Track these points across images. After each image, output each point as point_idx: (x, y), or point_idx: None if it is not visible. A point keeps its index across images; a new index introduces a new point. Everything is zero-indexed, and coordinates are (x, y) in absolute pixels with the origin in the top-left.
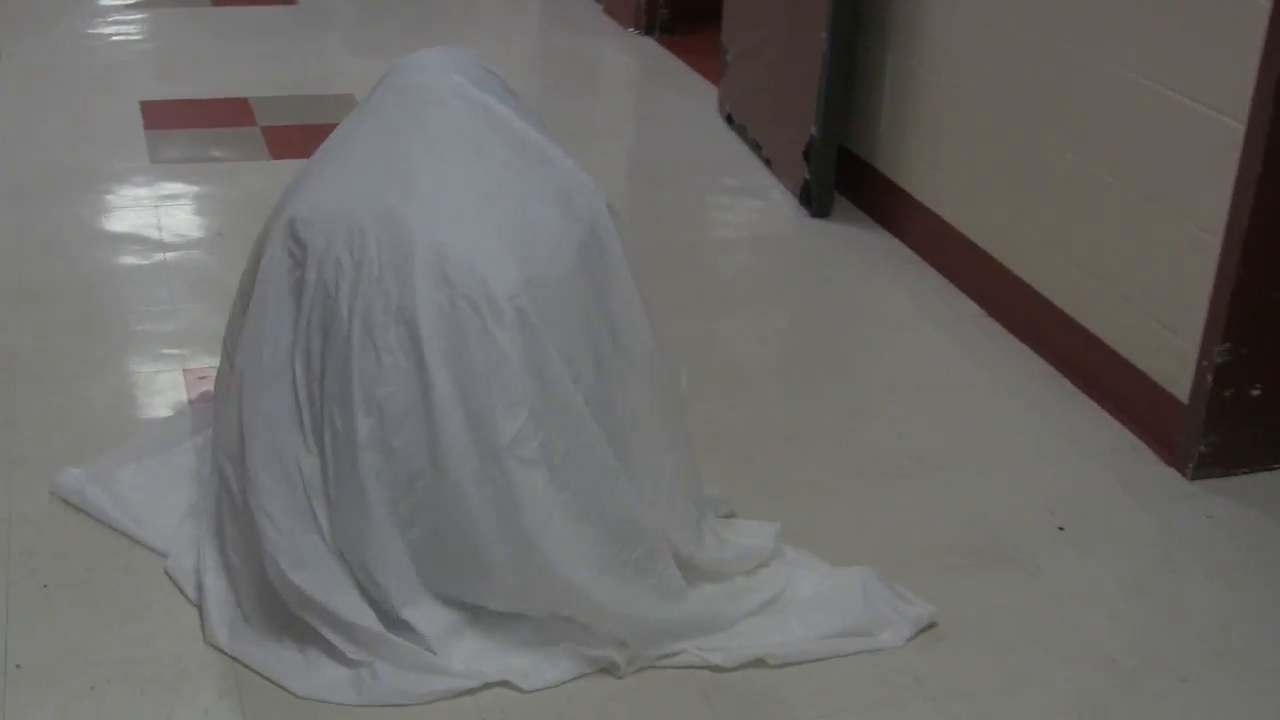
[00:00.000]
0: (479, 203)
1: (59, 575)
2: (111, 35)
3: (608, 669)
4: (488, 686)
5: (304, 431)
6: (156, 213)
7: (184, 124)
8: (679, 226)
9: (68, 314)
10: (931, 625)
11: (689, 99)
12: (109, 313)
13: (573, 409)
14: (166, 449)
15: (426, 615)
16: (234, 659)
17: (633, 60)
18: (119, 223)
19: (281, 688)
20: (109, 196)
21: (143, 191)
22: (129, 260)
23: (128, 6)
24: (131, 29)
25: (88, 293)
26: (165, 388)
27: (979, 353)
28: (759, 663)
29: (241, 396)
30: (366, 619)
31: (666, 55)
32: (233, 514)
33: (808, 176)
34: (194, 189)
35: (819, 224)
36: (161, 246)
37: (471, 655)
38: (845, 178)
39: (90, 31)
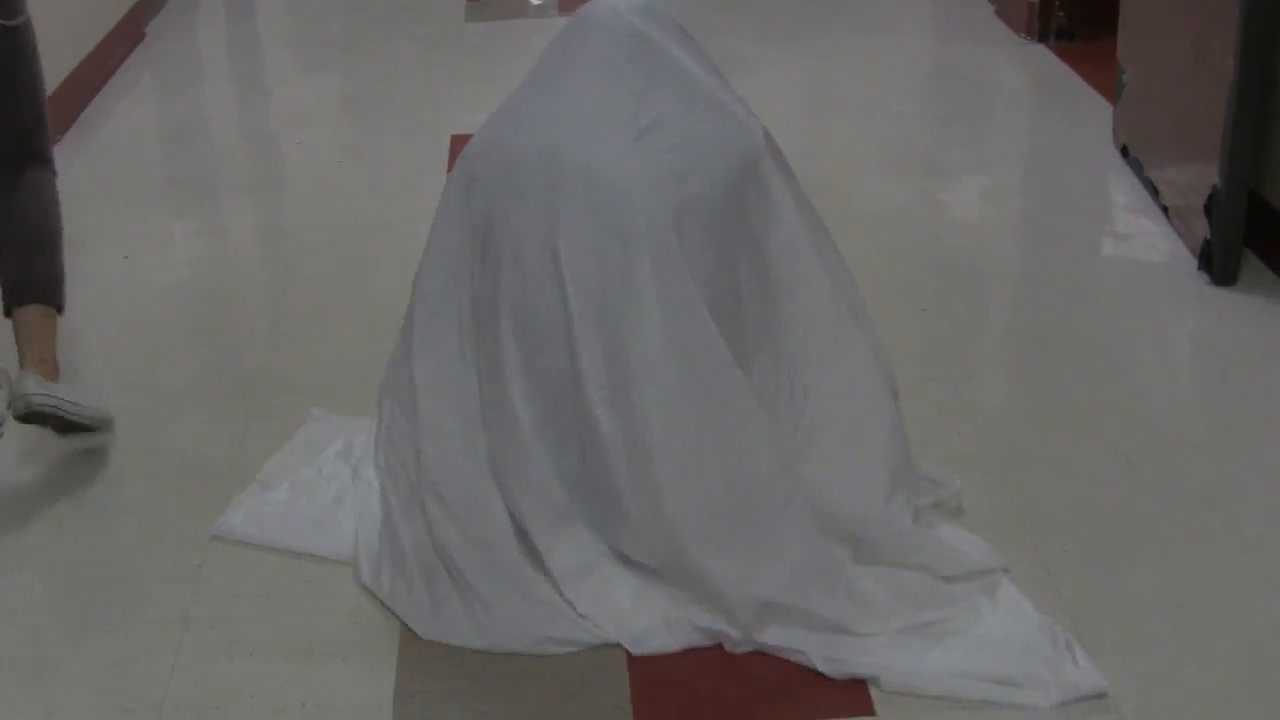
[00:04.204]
0: (635, 137)
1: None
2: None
3: (722, 643)
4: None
5: (464, 357)
6: None
7: None
8: (1051, 291)
9: None
10: (1099, 697)
11: (1081, 123)
12: None
13: (709, 349)
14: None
15: (565, 548)
16: (376, 595)
17: (1022, 74)
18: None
19: (408, 627)
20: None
21: None
22: None
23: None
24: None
25: None
26: None
27: None
28: (871, 681)
29: (414, 321)
30: (504, 541)
31: (1061, 67)
32: (391, 467)
33: (1208, 235)
34: None
35: (1221, 294)
36: None
37: (594, 600)
38: (1258, 234)
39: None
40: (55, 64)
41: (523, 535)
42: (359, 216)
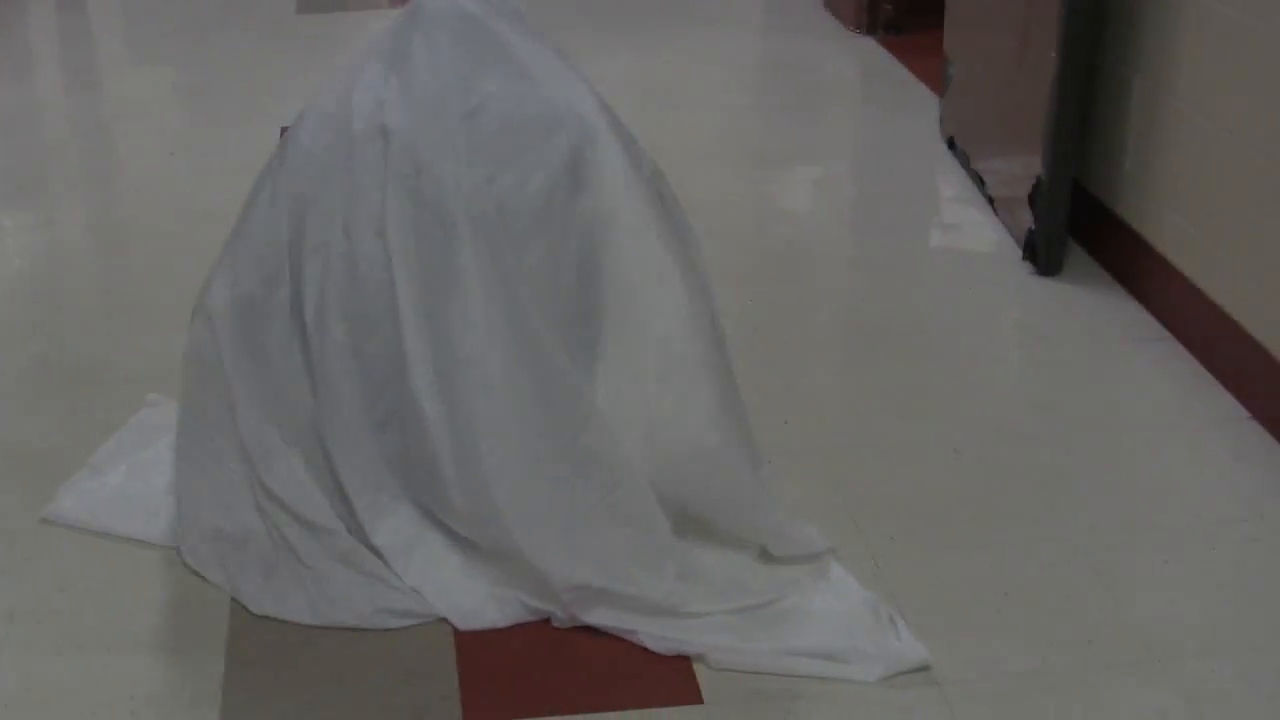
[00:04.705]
0: (461, 119)
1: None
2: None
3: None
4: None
5: (296, 333)
6: None
7: None
8: (878, 280)
9: None
10: (922, 669)
11: (908, 114)
12: None
13: (533, 336)
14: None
15: (389, 525)
16: (194, 570)
17: (851, 66)
18: None
19: (240, 604)
20: None
21: None
22: None
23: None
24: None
25: None
26: None
27: (1244, 473)
28: (698, 659)
29: (234, 285)
30: (329, 521)
31: (888, 59)
32: (201, 433)
33: (1033, 225)
34: None
35: (1045, 284)
36: None
37: (422, 573)
38: (1081, 224)
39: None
40: None
41: (349, 513)
42: (190, 207)
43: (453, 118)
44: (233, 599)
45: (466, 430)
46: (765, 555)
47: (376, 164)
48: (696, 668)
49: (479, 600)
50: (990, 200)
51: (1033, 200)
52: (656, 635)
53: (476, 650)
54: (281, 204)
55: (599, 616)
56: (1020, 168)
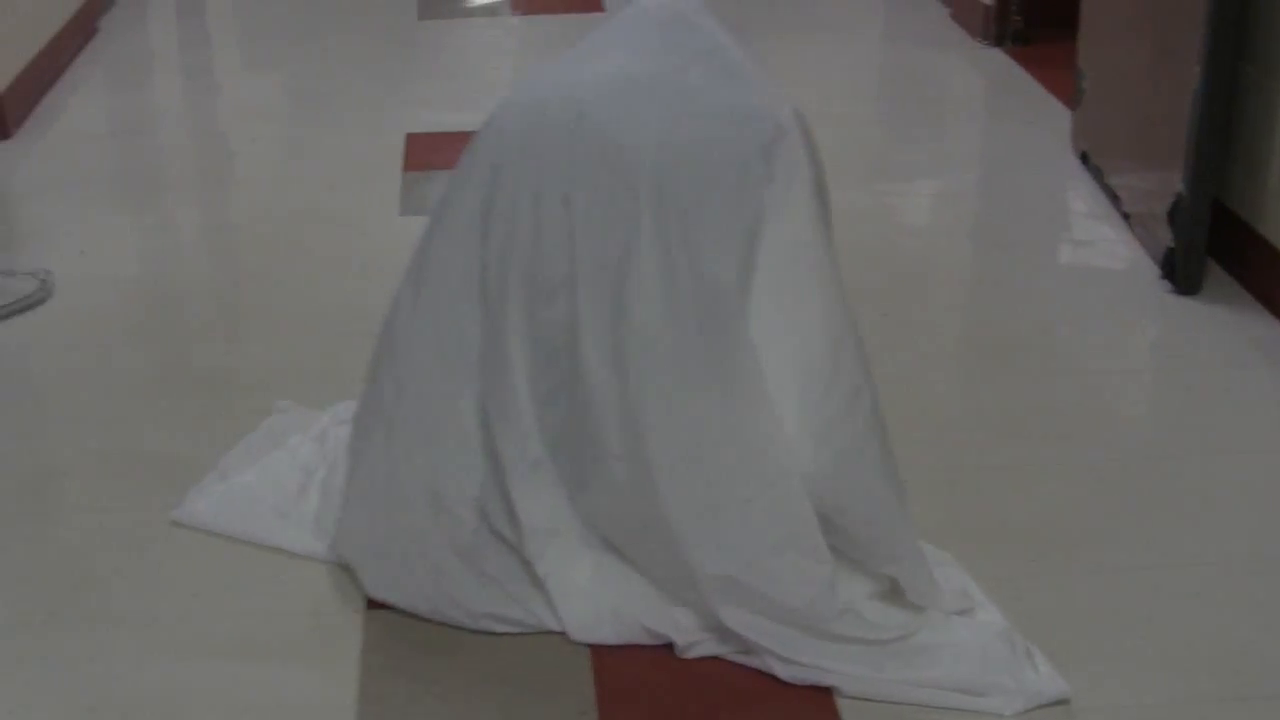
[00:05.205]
0: (660, 105)
1: None
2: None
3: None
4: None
5: (468, 296)
6: None
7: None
8: (1008, 298)
9: None
10: (1061, 703)
11: (1039, 128)
12: None
13: (709, 319)
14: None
15: (536, 505)
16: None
17: (978, 78)
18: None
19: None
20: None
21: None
22: None
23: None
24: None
25: None
26: None
27: None
28: (831, 690)
29: (429, 250)
30: (465, 510)
31: (1017, 71)
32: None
33: (1171, 243)
34: None
35: (1183, 303)
36: None
37: (554, 566)
38: (1222, 243)
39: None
40: (9, 60)
41: (488, 499)
42: (311, 213)
43: (651, 102)
44: (369, 602)
45: (636, 402)
46: (898, 587)
47: (570, 137)
48: (835, 696)
49: (599, 614)
50: (1125, 216)
51: (1172, 217)
52: (788, 659)
53: (611, 666)
54: (478, 174)
55: (734, 618)
56: (1158, 184)
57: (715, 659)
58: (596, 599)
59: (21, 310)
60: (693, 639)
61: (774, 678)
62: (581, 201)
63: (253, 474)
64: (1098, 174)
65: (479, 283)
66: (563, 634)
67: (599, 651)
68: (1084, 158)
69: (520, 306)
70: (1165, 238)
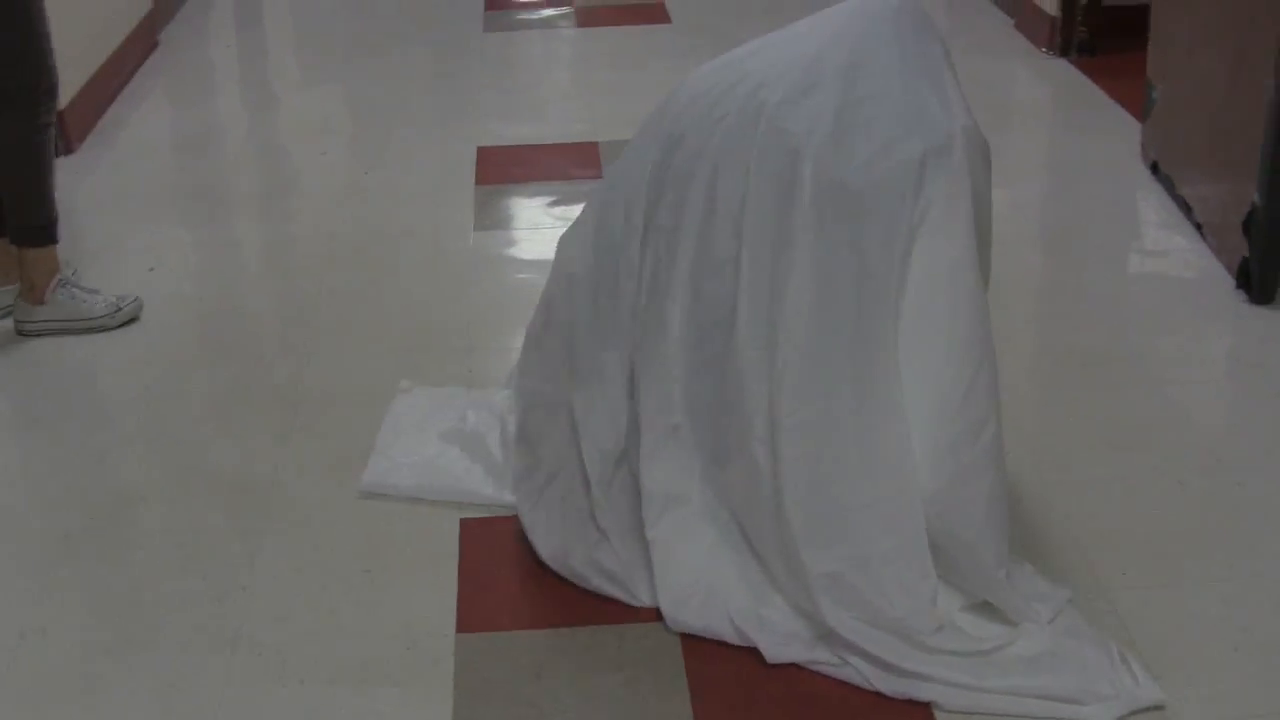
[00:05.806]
0: (839, 102)
1: None
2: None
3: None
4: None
5: (634, 253)
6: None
7: (522, 177)
8: (1082, 308)
9: None
10: (1156, 708)
11: (1107, 139)
12: None
13: (852, 320)
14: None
15: (663, 470)
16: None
17: (1044, 88)
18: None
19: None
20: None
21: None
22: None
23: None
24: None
25: None
26: None
27: None
28: (929, 705)
29: (600, 202)
30: (604, 449)
31: (1083, 81)
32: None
33: (1246, 253)
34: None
35: (1259, 312)
36: None
37: (666, 532)
38: None
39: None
40: (72, 73)
41: (627, 451)
42: (380, 225)
43: (831, 97)
44: (459, 625)
45: (777, 388)
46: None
47: (750, 120)
48: (934, 710)
49: (694, 589)
50: (1198, 227)
51: (1246, 227)
52: (888, 667)
53: (707, 684)
54: (657, 140)
55: (837, 618)
56: (1232, 194)
57: (808, 674)
58: (697, 573)
59: (105, 329)
60: (780, 642)
61: (867, 691)
62: (756, 184)
63: (435, 438)
64: (1169, 184)
65: (640, 240)
66: (655, 626)
67: (694, 673)
68: (1154, 168)
69: (685, 274)
70: (1239, 247)
